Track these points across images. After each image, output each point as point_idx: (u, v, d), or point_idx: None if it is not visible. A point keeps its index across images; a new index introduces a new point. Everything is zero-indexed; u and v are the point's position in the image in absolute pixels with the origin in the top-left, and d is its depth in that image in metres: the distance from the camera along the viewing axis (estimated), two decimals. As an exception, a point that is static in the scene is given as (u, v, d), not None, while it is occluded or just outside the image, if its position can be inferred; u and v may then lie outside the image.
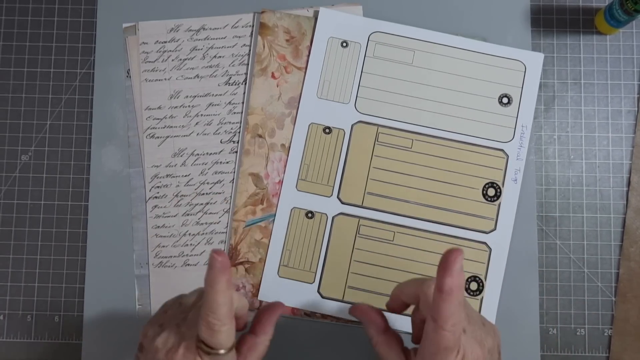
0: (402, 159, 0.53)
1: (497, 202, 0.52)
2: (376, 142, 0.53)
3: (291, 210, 0.52)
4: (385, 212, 0.52)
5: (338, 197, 0.52)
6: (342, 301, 0.51)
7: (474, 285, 0.51)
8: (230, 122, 0.54)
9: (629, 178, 0.53)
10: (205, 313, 0.36)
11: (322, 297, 0.51)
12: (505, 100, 0.53)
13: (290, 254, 0.52)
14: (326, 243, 0.52)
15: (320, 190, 0.52)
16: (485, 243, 0.52)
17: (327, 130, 0.53)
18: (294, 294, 0.51)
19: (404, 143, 0.53)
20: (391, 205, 0.52)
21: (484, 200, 0.52)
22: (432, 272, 0.51)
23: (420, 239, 0.52)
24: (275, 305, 0.45)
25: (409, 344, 0.41)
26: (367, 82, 0.53)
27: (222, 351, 0.37)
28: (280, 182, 0.52)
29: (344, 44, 0.53)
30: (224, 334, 0.36)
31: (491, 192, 0.52)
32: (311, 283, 0.51)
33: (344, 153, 0.53)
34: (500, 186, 0.52)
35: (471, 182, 0.52)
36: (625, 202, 0.53)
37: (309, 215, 0.52)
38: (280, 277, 0.51)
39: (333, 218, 0.52)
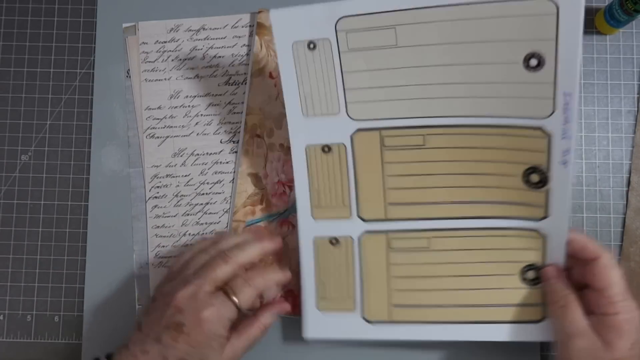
0: (417, 159, 0.45)
1: (544, 189, 0.43)
2: (383, 148, 0.46)
3: (313, 241, 0.48)
4: (413, 219, 0.46)
5: (359, 216, 0.47)
6: (390, 322, 0.47)
7: (531, 274, 0.46)
8: (230, 122, 0.54)
9: (629, 178, 0.53)
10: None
11: (368, 321, 0.47)
12: (533, 62, 0.40)
13: (325, 286, 0.48)
14: (358, 266, 0.47)
15: (338, 214, 0.47)
16: (536, 231, 0.44)
17: (326, 149, 0.46)
18: (339, 325, 0.47)
19: (415, 141, 0.45)
20: (418, 211, 0.46)
21: (526, 187, 0.43)
22: (479, 271, 0.46)
23: (459, 239, 0.46)
24: (280, 303, 0.48)
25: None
26: (353, 83, 0.44)
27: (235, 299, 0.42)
28: (280, 182, 0.52)
29: (311, 45, 0.44)
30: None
31: (534, 178, 0.43)
32: (353, 311, 0.47)
33: (351, 169, 0.46)
34: (545, 172, 0.42)
35: (505, 170, 0.44)
36: (625, 202, 0.53)
37: (333, 242, 0.47)
38: (320, 311, 0.48)
39: (359, 239, 0.47)
